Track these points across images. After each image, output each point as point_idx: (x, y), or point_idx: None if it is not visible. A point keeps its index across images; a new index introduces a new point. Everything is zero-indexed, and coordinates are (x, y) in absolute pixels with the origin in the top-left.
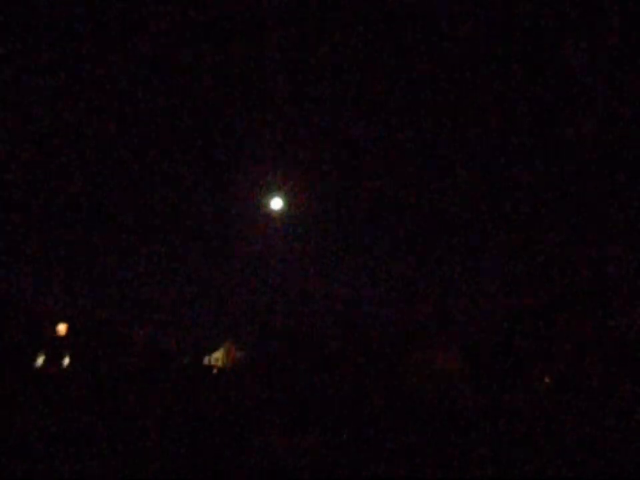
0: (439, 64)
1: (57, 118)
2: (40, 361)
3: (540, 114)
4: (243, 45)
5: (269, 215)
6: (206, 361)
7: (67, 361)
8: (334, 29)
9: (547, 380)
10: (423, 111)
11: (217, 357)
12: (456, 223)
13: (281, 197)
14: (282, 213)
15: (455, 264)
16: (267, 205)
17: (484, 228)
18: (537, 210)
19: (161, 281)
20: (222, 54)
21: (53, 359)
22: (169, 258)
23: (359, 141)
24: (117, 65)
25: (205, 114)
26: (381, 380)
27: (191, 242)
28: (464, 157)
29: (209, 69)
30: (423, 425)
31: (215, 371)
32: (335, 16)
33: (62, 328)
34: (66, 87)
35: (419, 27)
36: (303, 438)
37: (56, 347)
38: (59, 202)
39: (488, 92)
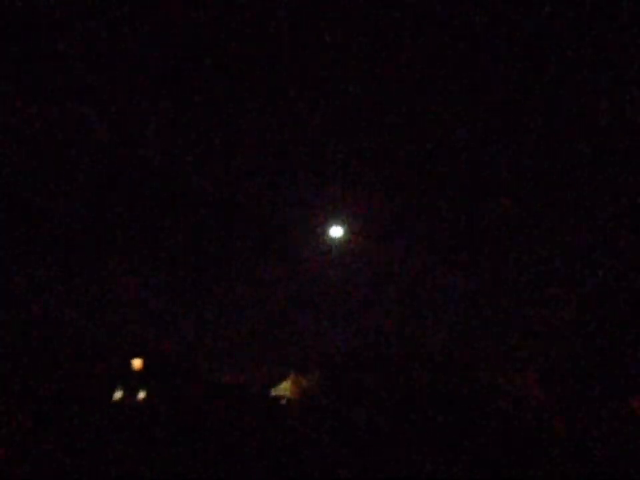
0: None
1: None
2: (118, 394)
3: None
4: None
5: (329, 243)
6: (273, 392)
7: (142, 394)
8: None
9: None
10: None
11: (284, 388)
12: (523, 237)
13: (340, 224)
14: (342, 241)
15: (529, 280)
16: (326, 232)
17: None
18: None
19: (226, 314)
20: (279, 77)
21: (130, 392)
22: (231, 290)
23: (425, 165)
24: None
25: (267, 138)
26: (455, 406)
27: (252, 272)
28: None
29: (268, 95)
30: (504, 453)
31: (282, 401)
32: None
33: (137, 363)
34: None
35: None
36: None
37: (132, 381)
38: (139, 242)
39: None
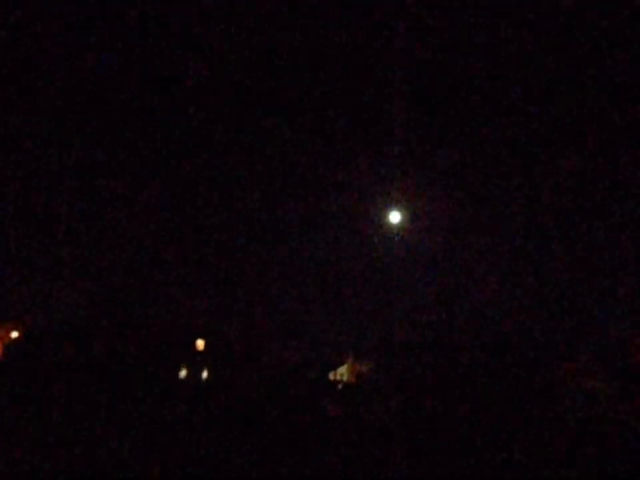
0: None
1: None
2: (183, 373)
3: None
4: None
5: (388, 229)
6: (331, 376)
7: (205, 373)
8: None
9: None
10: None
11: (341, 372)
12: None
13: (399, 209)
14: (401, 227)
15: (602, 272)
16: (385, 218)
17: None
18: None
19: (287, 298)
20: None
21: (194, 371)
22: (290, 275)
23: (488, 149)
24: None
25: (325, 124)
26: (521, 399)
27: (313, 258)
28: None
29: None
30: (573, 448)
31: (339, 386)
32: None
33: (200, 343)
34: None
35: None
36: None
37: (196, 361)
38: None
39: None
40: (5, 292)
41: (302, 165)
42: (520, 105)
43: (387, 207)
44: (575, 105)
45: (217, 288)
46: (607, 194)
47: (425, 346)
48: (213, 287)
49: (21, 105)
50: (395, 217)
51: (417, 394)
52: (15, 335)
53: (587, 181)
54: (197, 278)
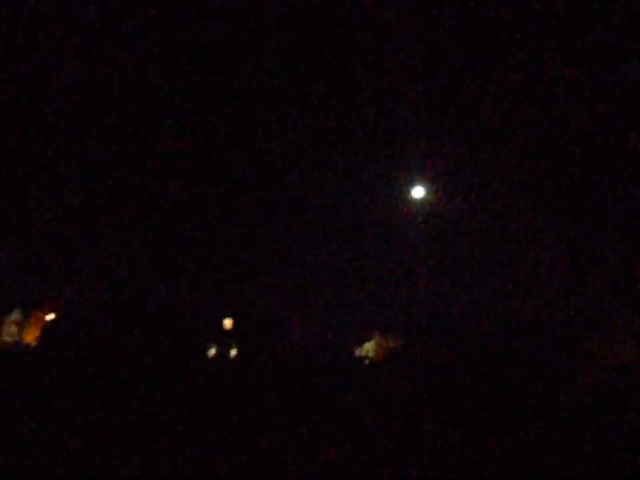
0: None
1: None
2: (212, 351)
3: None
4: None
5: (410, 204)
6: (357, 352)
7: (234, 352)
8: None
9: None
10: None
11: (368, 349)
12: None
13: (422, 184)
14: (424, 202)
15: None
16: (407, 193)
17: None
18: None
19: (312, 275)
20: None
21: (222, 350)
22: (315, 252)
23: (513, 122)
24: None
25: (346, 96)
26: (552, 374)
27: (334, 234)
28: None
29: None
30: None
31: (366, 361)
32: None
33: (228, 322)
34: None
35: None
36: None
37: (224, 340)
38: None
39: None
40: (41, 279)
41: (325, 141)
42: (554, 70)
43: (411, 182)
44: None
45: (243, 268)
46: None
47: (451, 322)
48: (238, 268)
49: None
50: (418, 192)
51: (442, 370)
52: (50, 317)
53: (617, 150)
54: (222, 259)
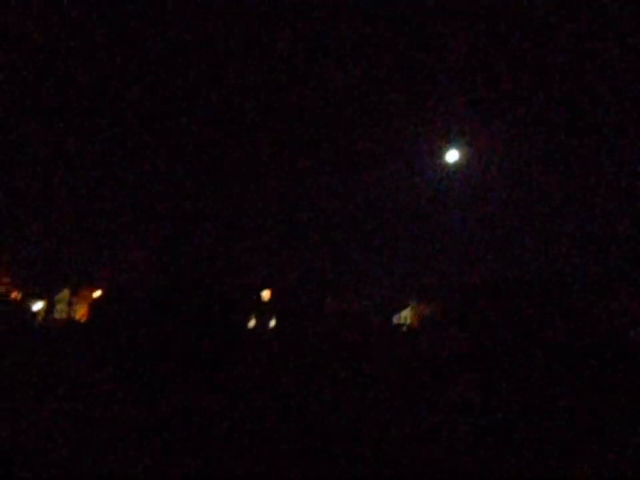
0: None
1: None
2: (252, 322)
3: None
4: None
5: (443, 169)
6: (395, 319)
7: (272, 322)
8: None
9: None
10: None
11: (405, 316)
12: None
13: (457, 148)
14: (458, 167)
15: None
16: (440, 157)
17: None
18: None
19: (347, 243)
20: None
21: (262, 320)
22: (347, 219)
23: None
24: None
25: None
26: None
27: (367, 200)
28: None
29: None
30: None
31: (404, 328)
32: None
33: (266, 294)
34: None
35: None
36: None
37: (263, 311)
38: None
39: None
40: (89, 257)
41: (356, 100)
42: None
43: (445, 145)
44: None
45: (279, 238)
46: None
47: (488, 286)
48: (275, 238)
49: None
50: (452, 155)
51: (482, 335)
52: (98, 294)
53: None
54: (259, 229)
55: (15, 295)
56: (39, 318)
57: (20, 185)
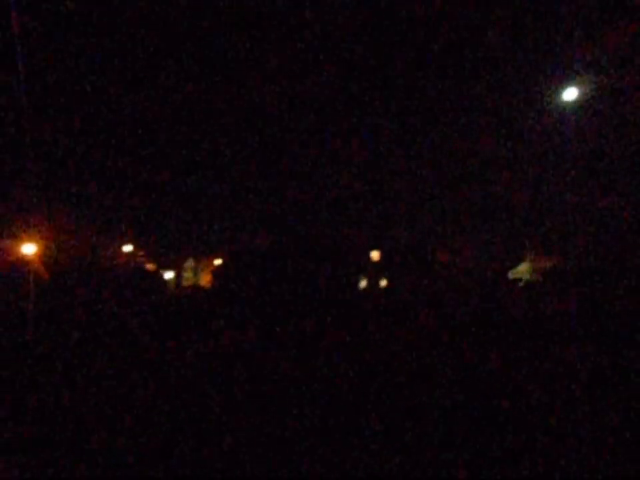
0: None
1: None
2: (363, 283)
3: None
4: None
5: (561, 109)
6: (510, 275)
7: (383, 282)
8: None
9: None
10: None
11: (521, 270)
12: None
13: (576, 85)
14: (576, 106)
15: None
16: (558, 95)
17: None
18: None
19: (455, 195)
20: None
21: (373, 281)
22: (456, 169)
23: None
24: None
25: None
26: None
27: (475, 146)
28: None
29: None
30: None
31: (520, 284)
32: None
33: (375, 254)
34: None
35: None
36: None
37: (373, 271)
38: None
39: None
40: (208, 229)
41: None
42: None
43: (562, 82)
44: None
45: (386, 196)
46: None
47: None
48: (382, 197)
49: None
50: (570, 93)
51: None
52: (218, 262)
53: None
54: (366, 190)
55: (150, 266)
56: (171, 285)
57: (155, 176)
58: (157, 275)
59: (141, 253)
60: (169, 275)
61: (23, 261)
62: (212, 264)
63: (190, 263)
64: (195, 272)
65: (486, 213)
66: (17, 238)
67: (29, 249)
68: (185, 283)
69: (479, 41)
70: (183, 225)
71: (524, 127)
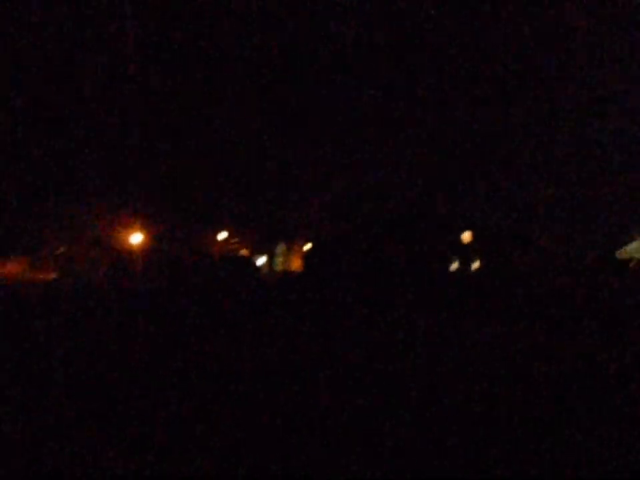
0: None
1: None
2: (454, 265)
3: None
4: None
5: None
6: (619, 254)
7: (476, 264)
8: None
9: None
10: None
11: (632, 249)
12: None
13: None
14: None
15: None
16: None
17: None
18: None
19: (555, 172)
20: None
21: (464, 263)
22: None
23: None
24: None
25: None
26: None
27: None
28: None
29: None
30: None
31: (631, 264)
32: None
33: (467, 235)
34: None
35: None
36: None
37: (465, 253)
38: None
39: None
40: (297, 214)
41: None
42: None
43: None
44: None
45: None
46: None
47: None
48: (478, 177)
49: None
50: None
51: None
52: (308, 246)
53: None
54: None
55: (244, 252)
56: (263, 270)
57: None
58: (249, 260)
59: (235, 240)
60: (261, 260)
61: (132, 248)
62: (303, 248)
63: (281, 248)
64: (286, 256)
65: (590, 192)
66: (126, 228)
67: (136, 238)
68: (277, 268)
69: None
70: (274, 211)
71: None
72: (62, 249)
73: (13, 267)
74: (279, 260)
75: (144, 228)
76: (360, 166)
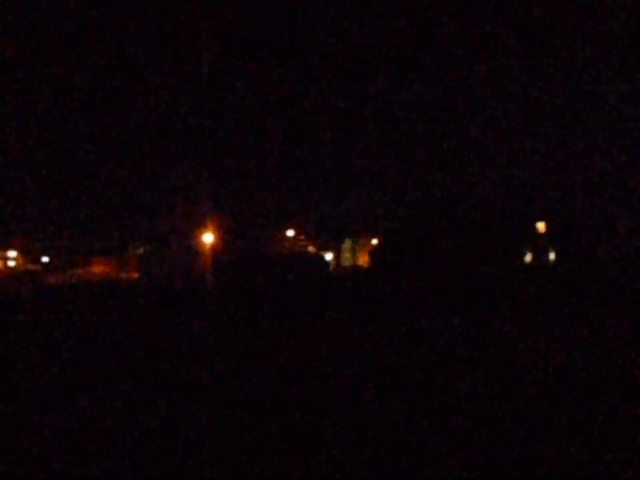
0: None
1: None
2: (528, 257)
3: None
4: None
5: None
6: None
7: (551, 255)
8: None
9: None
10: None
11: None
12: None
13: None
14: None
15: None
16: None
17: None
18: None
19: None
20: None
21: (539, 254)
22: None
23: None
24: None
25: None
26: None
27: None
28: None
29: None
30: None
31: None
32: None
33: (541, 225)
34: None
35: None
36: None
37: (539, 244)
38: None
39: None
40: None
41: None
42: None
43: None
44: None
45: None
46: None
47: None
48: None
49: None
50: None
51: None
52: (374, 242)
53: None
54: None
55: (311, 248)
56: (331, 266)
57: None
58: (321, 256)
59: (302, 237)
60: (328, 256)
61: (204, 247)
62: (369, 244)
63: (348, 244)
64: (353, 252)
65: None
66: (199, 228)
67: (208, 238)
68: (343, 264)
69: None
70: (340, 207)
71: None
72: (142, 249)
73: (100, 267)
74: (345, 256)
75: (216, 228)
76: (426, 162)
